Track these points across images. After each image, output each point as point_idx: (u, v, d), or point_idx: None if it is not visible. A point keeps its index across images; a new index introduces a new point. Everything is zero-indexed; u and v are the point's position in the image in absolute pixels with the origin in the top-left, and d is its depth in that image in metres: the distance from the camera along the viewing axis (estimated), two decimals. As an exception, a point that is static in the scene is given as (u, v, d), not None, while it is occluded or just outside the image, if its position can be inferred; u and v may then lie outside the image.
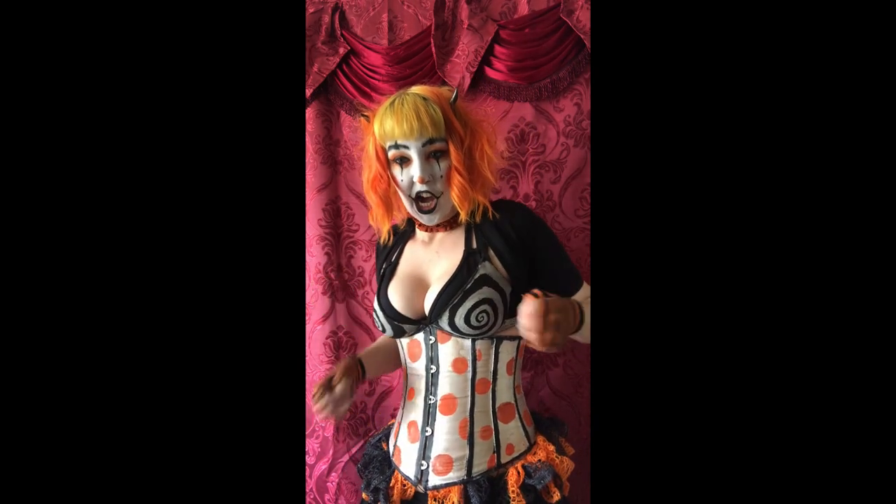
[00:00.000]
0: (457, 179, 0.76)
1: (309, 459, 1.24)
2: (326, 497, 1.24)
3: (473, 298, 0.74)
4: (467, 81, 1.06)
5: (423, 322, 0.80)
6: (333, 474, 1.23)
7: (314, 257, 1.19)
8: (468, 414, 0.78)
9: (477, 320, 0.74)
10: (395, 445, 0.85)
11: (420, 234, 0.86)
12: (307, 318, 1.21)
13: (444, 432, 0.78)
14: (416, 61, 1.10)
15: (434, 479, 0.78)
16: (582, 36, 1.00)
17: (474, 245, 0.79)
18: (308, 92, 1.13)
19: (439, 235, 0.84)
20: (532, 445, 0.82)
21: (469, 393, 0.79)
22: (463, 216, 0.79)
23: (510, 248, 0.78)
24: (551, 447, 0.82)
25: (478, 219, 0.80)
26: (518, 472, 0.78)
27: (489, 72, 1.07)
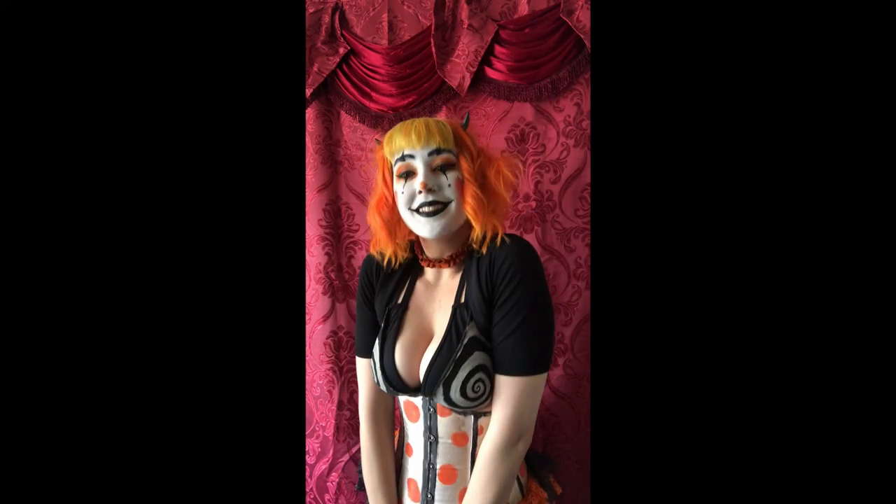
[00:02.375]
0: (470, 189, 0.70)
1: (309, 459, 1.25)
2: (326, 497, 1.24)
3: (466, 368, 0.67)
4: (467, 81, 1.06)
5: (420, 392, 0.73)
6: (333, 474, 1.23)
7: (314, 257, 1.19)
8: (468, 483, 0.73)
9: (473, 391, 0.67)
10: (399, 495, 0.83)
11: (428, 273, 0.80)
12: (307, 318, 1.21)
13: (445, 500, 0.76)
14: (416, 61, 1.10)
15: None
16: (582, 36, 1.00)
17: (463, 297, 0.72)
18: (308, 92, 1.13)
19: (445, 274, 0.78)
20: (525, 493, 0.81)
21: (469, 464, 0.75)
22: (478, 229, 0.70)
23: (486, 305, 0.69)
24: (543, 494, 0.81)
25: (483, 249, 0.71)
26: None
27: (489, 72, 1.07)
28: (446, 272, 0.78)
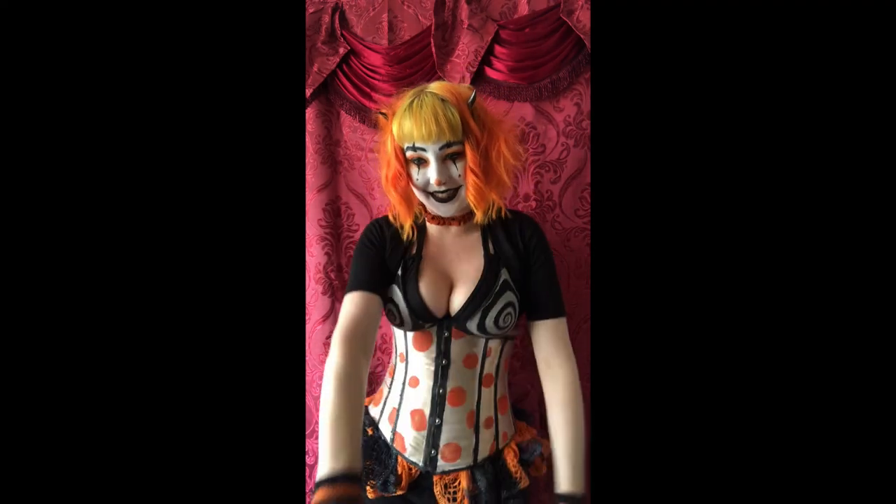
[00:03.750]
0: (472, 180, 0.76)
1: (309, 459, 1.24)
2: (326, 497, 1.24)
3: (502, 301, 0.79)
4: (467, 81, 1.06)
5: (446, 321, 0.82)
6: (333, 474, 1.23)
7: (314, 257, 1.19)
8: (475, 406, 0.83)
9: (504, 321, 0.79)
10: (393, 432, 0.86)
11: (433, 229, 0.87)
12: (307, 318, 1.21)
13: (453, 422, 0.82)
14: (416, 61, 1.10)
15: (443, 465, 0.82)
16: (582, 36, 1.00)
17: (492, 251, 0.84)
18: (308, 92, 1.13)
19: (453, 231, 0.86)
20: (516, 431, 0.91)
21: (476, 387, 0.84)
22: (479, 216, 0.80)
23: (518, 260, 0.84)
24: (533, 430, 0.93)
25: (493, 216, 0.83)
26: (514, 451, 0.86)
27: (489, 72, 1.07)
28: (454, 228, 0.86)
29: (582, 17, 0.99)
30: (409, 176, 0.80)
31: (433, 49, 1.08)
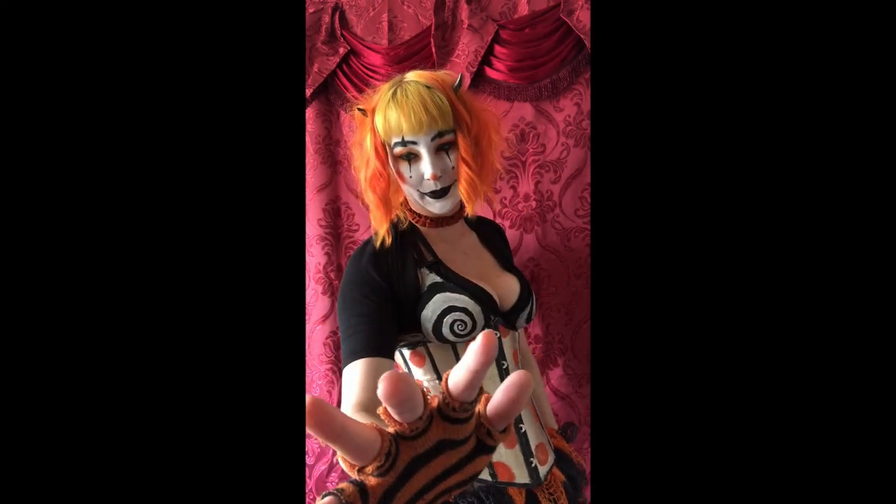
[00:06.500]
0: (465, 172, 0.71)
1: (309, 459, 1.25)
2: (326, 497, 1.24)
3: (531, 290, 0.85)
4: (467, 81, 1.06)
5: (493, 320, 0.76)
6: (333, 475, 1.23)
7: (314, 257, 1.19)
8: (532, 401, 0.83)
9: (534, 308, 0.85)
10: (491, 464, 0.75)
11: (429, 233, 0.80)
12: (307, 318, 1.21)
13: (530, 423, 0.79)
14: (416, 61, 1.10)
15: (542, 470, 0.77)
16: (582, 36, 1.00)
17: (491, 247, 0.87)
18: (308, 92, 1.13)
19: (454, 233, 0.82)
20: None
21: None
22: (470, 209, 0.75)
23: (510, 252, 0.94)
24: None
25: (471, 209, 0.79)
26: (558, 437, 0.90)
27: (489, 72, 1.07)
28: (453, 229, 0.83)
29: (582, 17, 0.99)
30: (399, 174, 0.73)
31: (433, 49, 1.08)
